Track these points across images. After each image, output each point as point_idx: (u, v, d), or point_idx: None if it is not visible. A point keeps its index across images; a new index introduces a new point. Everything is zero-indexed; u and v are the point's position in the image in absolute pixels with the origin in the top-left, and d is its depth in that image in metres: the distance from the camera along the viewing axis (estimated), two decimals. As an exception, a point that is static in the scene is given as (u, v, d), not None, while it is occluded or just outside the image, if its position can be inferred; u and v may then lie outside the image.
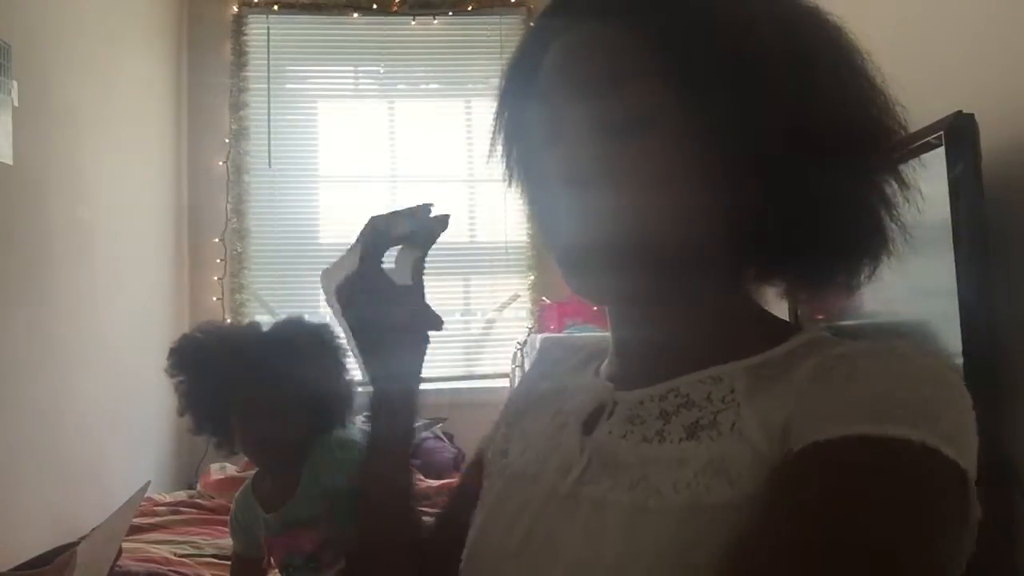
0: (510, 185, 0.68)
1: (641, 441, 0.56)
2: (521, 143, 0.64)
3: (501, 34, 3.72)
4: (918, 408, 0.45)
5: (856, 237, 0.56)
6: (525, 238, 3.61)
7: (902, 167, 0.57)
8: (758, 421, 0.51)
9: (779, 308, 0.66)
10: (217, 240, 3.59)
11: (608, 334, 0.65)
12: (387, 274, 0.67)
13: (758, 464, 0.49)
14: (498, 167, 0.68)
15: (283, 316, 1.59)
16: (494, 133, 0.67)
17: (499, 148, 0.67)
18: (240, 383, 1.44)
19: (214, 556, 2.10)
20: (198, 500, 2.62)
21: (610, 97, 0.55)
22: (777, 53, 0.53)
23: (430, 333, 0.70)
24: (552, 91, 0.58)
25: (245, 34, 3.65)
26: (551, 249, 0.60)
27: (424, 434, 3.05)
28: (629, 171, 0.54)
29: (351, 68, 3.86)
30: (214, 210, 3.59)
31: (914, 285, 1.61)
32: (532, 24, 0.63)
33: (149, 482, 1.32)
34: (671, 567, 0.48)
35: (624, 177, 0.54)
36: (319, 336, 1.49)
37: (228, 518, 1.64)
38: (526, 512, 0.59)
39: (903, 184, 0.57)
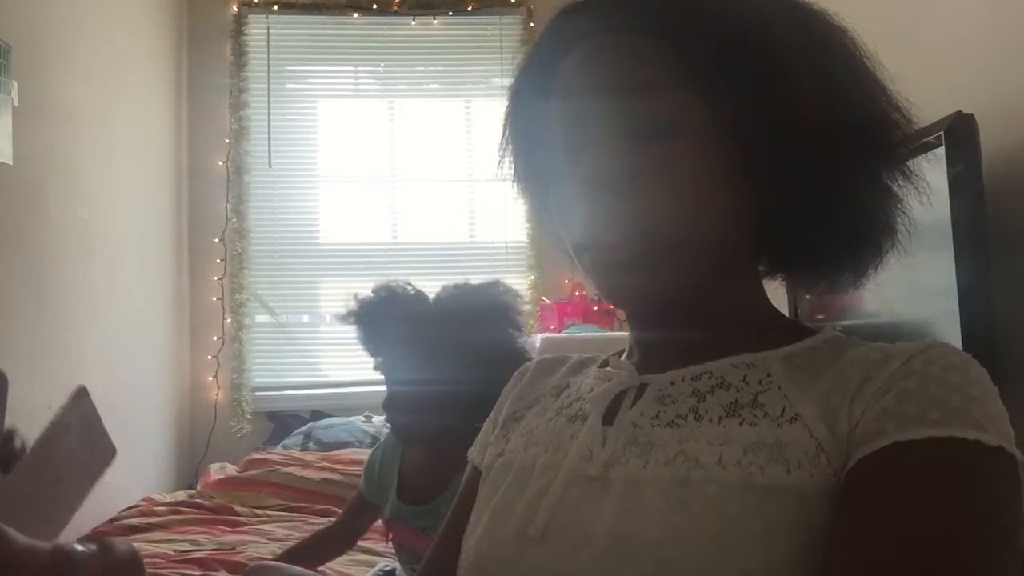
0: (517, 188, 0.68)
1: (675, 419, 0.56)
2: (536, 147, 0.64)
3: (501, 34, 3.73)
4: (990, 414, 0.48)
5: (868, 232, 0.58)
6: (525, 238, 3.61)
7: (911, 162, 0.59)
8: (817, 412, 0.52)
9: (779, 306, 0.66)
10: (217, 240, 3.59)
11: (594, 335, 0.65)
12: None
13: (820, 455, 0.50)
14: (502, 169, 0.68)
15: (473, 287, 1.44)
16: (504, 136, 0.67)
17: (508, 151, 0.67)
18: (382, 341, 1.40)
19: (215, 550, 2.11)
20: (198, 500, 2.62)
21: (639, 102, 0.56)
22: (798, 58, 0.55)
23: None
24: (578, 95, 0.58)
25: (245, 34, 3.65)
26: (580, 254, 0.60)
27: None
28: (660, 174, 0.55)
29: (351, 68, 3.86)
30: (214, 210, 3.59)
31: (914, 285, 1.61)
32: (546, 29, 0.63)
33: (84, 387, 0.94)
34: (716, 541, 0.49)
35: (656, 180, 0.55)
36: (495, 312, 1.37)
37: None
38: (545, 499, 0.57)
39: (910, 177, 0.59)
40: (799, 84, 0.54)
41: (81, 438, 0.96)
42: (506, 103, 0.66)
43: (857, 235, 0.58)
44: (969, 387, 0.49)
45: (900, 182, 0.58)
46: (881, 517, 0.46)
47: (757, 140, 0.55)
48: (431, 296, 1.42)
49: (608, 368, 0.66)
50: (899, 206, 0.58)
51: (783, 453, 0.50)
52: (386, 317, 1.40)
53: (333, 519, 1.79)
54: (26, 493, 0.87)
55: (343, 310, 1.45)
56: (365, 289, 1.50)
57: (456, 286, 1.42)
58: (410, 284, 1.45)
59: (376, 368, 1.46)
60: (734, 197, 0.56)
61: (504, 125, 0.67)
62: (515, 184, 0.68)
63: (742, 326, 0.60)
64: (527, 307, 3.53)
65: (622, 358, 0.67)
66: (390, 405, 1.42)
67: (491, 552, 0.59)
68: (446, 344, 1.34)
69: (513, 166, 0.67)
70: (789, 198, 0.56)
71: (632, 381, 0.61)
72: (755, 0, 0.57)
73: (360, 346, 1.46)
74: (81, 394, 0.93)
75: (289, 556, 1.62)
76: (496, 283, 1.42)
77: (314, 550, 1.68)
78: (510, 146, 0.67)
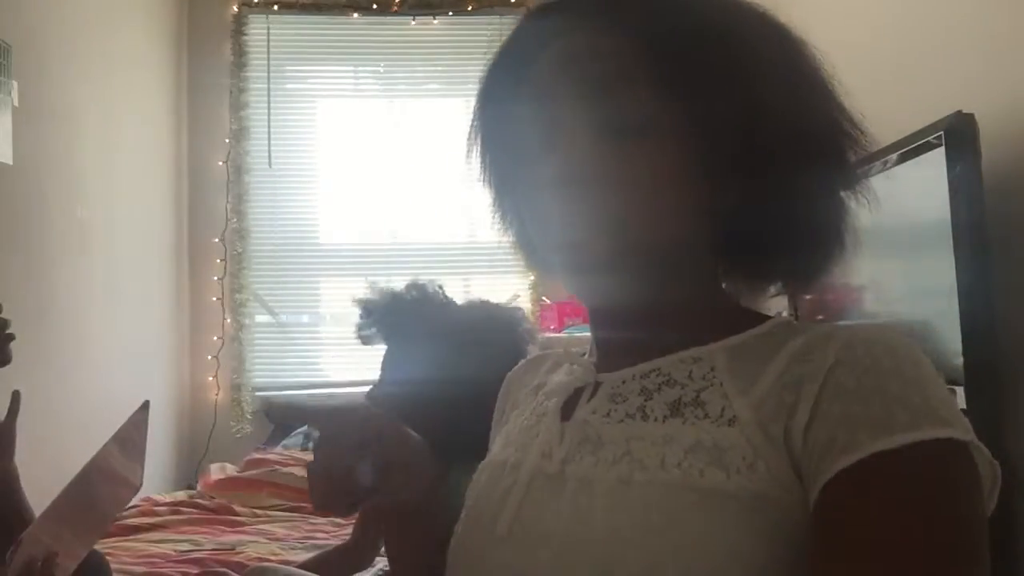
0: (485, 186, 0.68)
1: (624, 418, 0.57)
2: (507, 147, 0.64)
3: (501, 34, 3.70)
4: (950, 407, 0.49)
5: (819, 239, 0.60)
6: (525, 238, 3.61)
7: (866, 178, 0.61)
8: (753, 416, 0.52)
9: (780, 305, 0.66)
10: (217, 240, 3.59)
11: (585, 335, 0.66)
12: None
13: (758, 462, 0.51)
14: (475, 167, 0.68)
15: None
16: (472, 135, 0.67)
17: (477, 150, 0.67)
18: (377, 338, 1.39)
19: (214, 550, 2.11)
20: (198, 500, 2.62)
21: (606, 101, 0.56)
22: (766, 68, 0.56)
23: None
24: (548, 95, 0.59)
25: (245, 34, 3.65)
26: (547, 251, 0.60)
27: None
28: (625, 173, 0.56)
29: (351, 68, 3.86)
30: (214, 210, 3.60)
31: (914, 285, 1.62)
32: (517, 30, 0.64)
33: (148, 402, 1.07)
34: (661, 540, 0.49)
35: (620, 179, 0.56)
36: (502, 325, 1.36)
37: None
38: (511, 497, 0.59)
39: (862, 191, 0.60)
40: (766, 92, 0.55)
41: (124, 457, 1.02)
42: (474, 105, 0.66)
43: (808, 241, 0.59)
44: (922, 379, 0.49)
45: (852, 195, 0.60)
46: (880, 529, 0.46)
47: (721, 142, 0.55)
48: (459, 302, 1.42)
49: (574, 366, 0.68)
50: (848, 217, 0.59)
51: (722, 458, 0.51)
52: (413, 314, 1.39)
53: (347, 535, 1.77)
54: (73, 506, 0.93)
55: (367, 294, 1.43)
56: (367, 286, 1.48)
57: (483, 302, 1.43)
58: (440, 287, 1.45)
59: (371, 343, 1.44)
60: (698, 197, 0.57)
61: (471, 128, 0.67)
62: (485, 182, 0.68)
63: (695, 320, 0.60)
64: (528, 308, 3.53)
65: (585, 356, 0.68)
66: (378, 397, 1.42)
67: (465, 552, 0.61)
68: (461, 355, 1.34)
69: (481, 168, 0.68)
70: (746, 199, 0.57)
71: (588, 378, 0.62)
72: (728, 7, 0.58)
73: (368, 332, 1.45)
74: (144, 409, 0.99)
75: (306, 567, 1.61)
76: (521, 313, 1.44)
77: (330, 565, 1.65)
78: (479, 148, 0.67)
